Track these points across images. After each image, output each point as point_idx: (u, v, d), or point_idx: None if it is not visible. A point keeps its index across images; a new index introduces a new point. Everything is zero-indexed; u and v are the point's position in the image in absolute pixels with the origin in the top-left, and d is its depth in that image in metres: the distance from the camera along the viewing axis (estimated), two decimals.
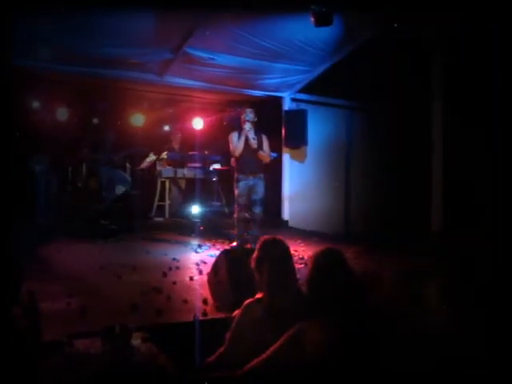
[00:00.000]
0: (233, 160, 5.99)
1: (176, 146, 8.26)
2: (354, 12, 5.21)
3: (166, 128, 9.29)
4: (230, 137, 5.86)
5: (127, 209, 7.22)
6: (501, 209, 4.49)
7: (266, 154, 5.87)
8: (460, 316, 1.58)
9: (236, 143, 5.77)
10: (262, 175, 5.87)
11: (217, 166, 8.39)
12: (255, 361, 1.90)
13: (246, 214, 8.29)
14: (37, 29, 5.22)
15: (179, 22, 5.36)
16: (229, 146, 5.91)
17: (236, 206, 5.87)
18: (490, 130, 4.75)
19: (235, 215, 5.89)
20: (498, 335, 1.59)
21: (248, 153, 5.74)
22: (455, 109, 5.19)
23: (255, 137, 5.76)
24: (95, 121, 8.23)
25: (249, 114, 5.78)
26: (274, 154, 8.05)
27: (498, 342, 1.54)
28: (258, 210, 5.79)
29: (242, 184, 5.76)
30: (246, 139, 5.71)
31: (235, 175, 5.86)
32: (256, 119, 5.83)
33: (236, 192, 5.81)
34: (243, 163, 5.78)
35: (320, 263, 1.94)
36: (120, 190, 7.43)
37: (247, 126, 5.71)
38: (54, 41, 5.56)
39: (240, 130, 5.79)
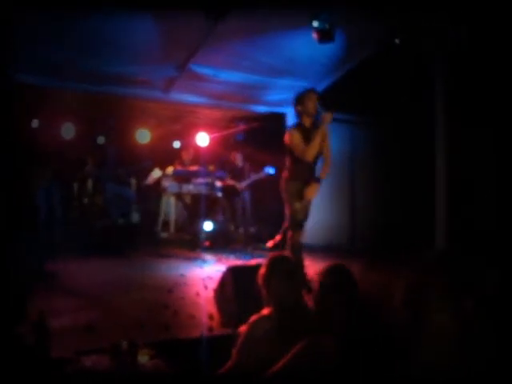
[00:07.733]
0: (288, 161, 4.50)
1: (187, 160, 8.21)
2: (356, 27, 5.26)
3: (173, 144, 9.34)
4: (290, 136, 4.38)
5: (133, 225, 7.25)
6: (506, 224, 4.48)
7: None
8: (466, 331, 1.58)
9: (304, 144, 4.29)
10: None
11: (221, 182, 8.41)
12: (268, 372, 1.89)
13: (252, 229, 8.32)
14: (43, 46, 5.30)
15: (184, 40, 5.42)
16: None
17: (291, 226, 4.39)
18: (494, 144, 4.76)
19: (289, 241, 4.37)
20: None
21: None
22: (459, 121, 5.20)
23: None
24: (101, 137, 8.28)
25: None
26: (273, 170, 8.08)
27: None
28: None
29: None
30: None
31: (286, 183, 4.45)
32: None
33: (291, 207, 4.35)
34: (302, 168, 4.40)
35: (327, 280, 1.95)
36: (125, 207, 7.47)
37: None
38: (60, 58, 5.64)
39: (295, 127, 4.43)
